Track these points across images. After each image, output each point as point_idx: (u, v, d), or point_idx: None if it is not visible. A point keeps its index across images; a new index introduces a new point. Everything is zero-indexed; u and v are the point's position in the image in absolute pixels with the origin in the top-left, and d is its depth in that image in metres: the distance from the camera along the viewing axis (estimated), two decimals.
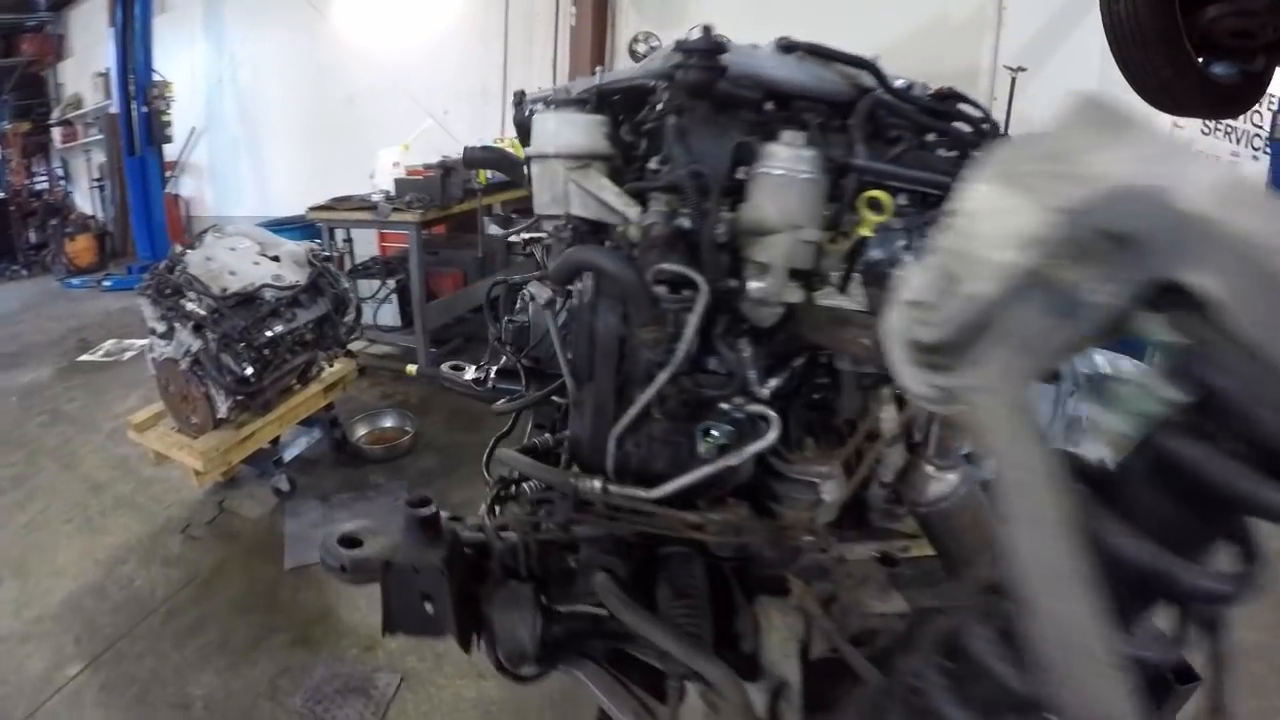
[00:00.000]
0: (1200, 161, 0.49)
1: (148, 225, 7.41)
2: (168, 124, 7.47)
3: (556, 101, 1.32)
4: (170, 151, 7.91)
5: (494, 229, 5.66)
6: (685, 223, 1.16)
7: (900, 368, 0.59)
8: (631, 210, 1.21)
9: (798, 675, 1.23)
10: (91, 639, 2.80)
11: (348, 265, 5.16)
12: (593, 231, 1.31)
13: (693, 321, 1.11)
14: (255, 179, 8.16)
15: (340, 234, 5.07)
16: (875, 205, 1.16)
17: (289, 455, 3.69)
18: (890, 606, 1.32)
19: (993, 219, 0.52)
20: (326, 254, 3.64)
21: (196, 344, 3.05)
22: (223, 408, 3.12)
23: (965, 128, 1.47)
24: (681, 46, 1.23)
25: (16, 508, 3.68)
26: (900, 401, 1.39)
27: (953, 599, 0.97)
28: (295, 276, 3.28)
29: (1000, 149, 0.55)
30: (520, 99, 1.62)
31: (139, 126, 7.14)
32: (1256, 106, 4.39)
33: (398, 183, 4.70)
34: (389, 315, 4.95)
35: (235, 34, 7.79)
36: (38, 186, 10.92)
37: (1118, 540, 0.53)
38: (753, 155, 1.18)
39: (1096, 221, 0.47)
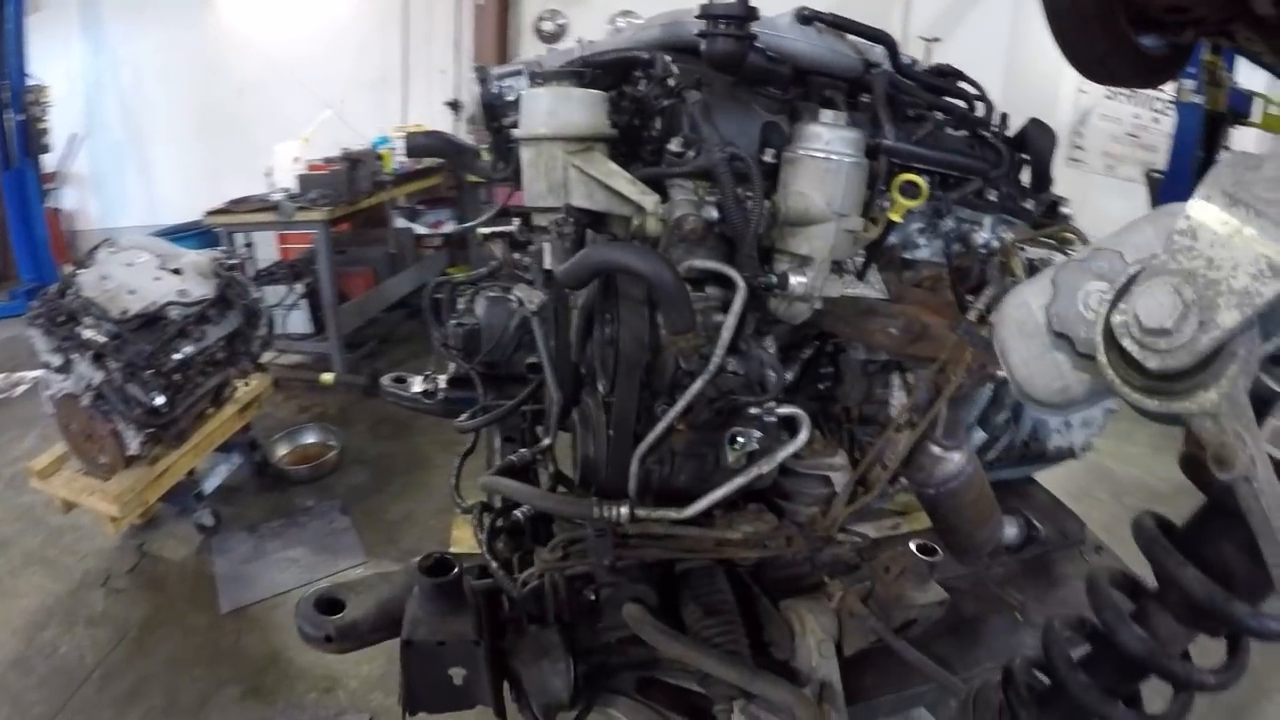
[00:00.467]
0: None
1: (30, 244, 6.61)
2: (45, 132, 6.67)
3: (549, 75, 1.16)
4: (48, 162, 7.12)
5: (401, 222, 5.40)
6: (713, 213, 1.05)
7: (1123, 392, 0.53)
8: (648, 200, 1.07)
9: (838, 675, 1.19)
10: None
11: (250, 272, 4.76)
12: (595, 224, 1.17)
13: (730, 324, 1.01)
14: (142, 186, 7.49)
15: (240, 238, 4.67)
16: (910, 190, 1.09)
17: (210, 486, 3.38)
18: (930, 597, 1.29)
19: (1236, 248, 0.51)
20: (232, 262, 3.33)
21: (98, 376, 2.72)
22: (133, 443, 2.80)
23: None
24: (709, 12, 1.10)
25: None
26: (909, 387, 1.36)
27: None
28: (201, 290, 2.96)
29: (1222, 170, 0.53)
30: (484, 74, 1.49)
31: (15, 136, 6.35)
32: None
33: (301, 179, 4.36)
34: (299, 322, 4.61)
35: (115, 31, 7.08)
36: None
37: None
38: (782, 136, 1.09)
39: None
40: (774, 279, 1.04)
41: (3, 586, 3.10)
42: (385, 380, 2.10)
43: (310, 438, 3.90)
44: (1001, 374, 0.81)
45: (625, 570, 1.18)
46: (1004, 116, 1.44)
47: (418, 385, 2.08)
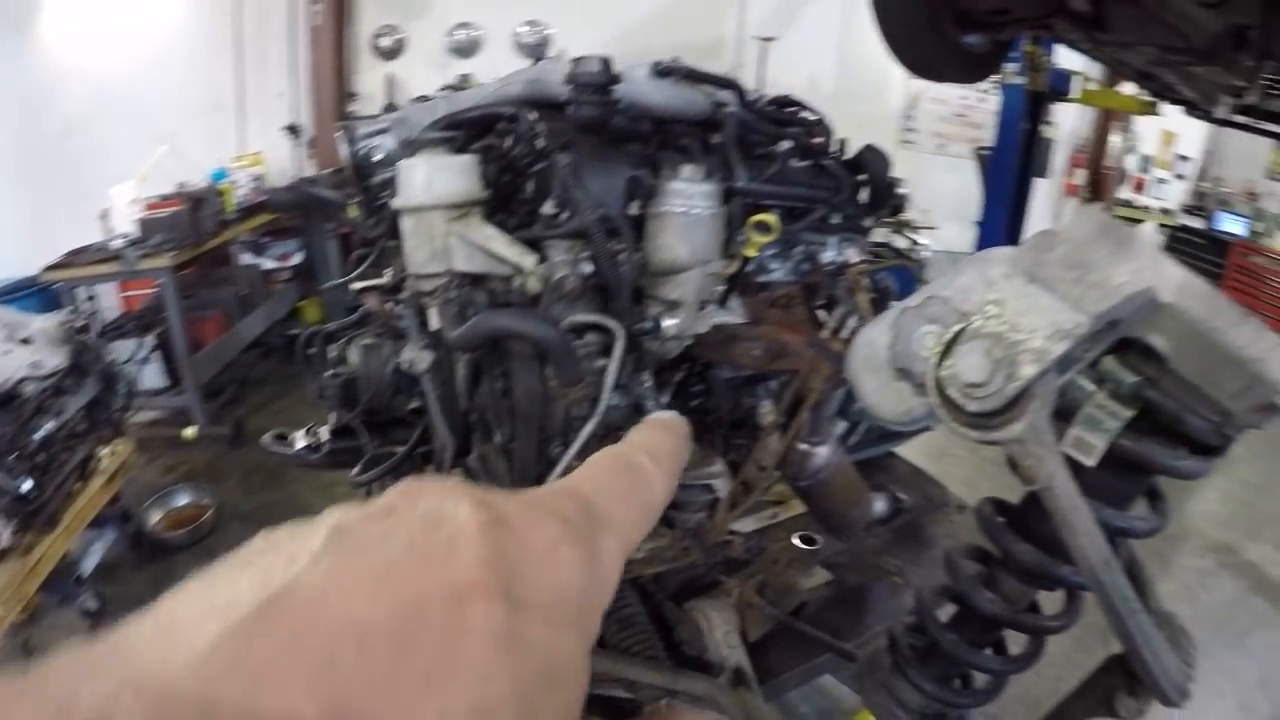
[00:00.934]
0: (1169, 264, 0.68)
1: None
2: None
3: (421, 143, 1.20)
4: None
5: (247, 257, 5.13)
6: (588, 268, 1.14)
7: (951, 426, 0.70)
8: (527, 260, 1.14)
9: (747, 661, 1.31)
10: None
11: (97, 328, 4.39)
12: (474, 283, 1.23)
13: (613, 369, 1.11)
14: None
15: (81, 292, 4.29)
16: (764, 227, 1.23)
17: (88, 567, 3.12)
18: (816, 580, 1.45)
19: (1034, 315, 0.66)
20: (82, 323, 3.08)
21: None
22: (4, 535, 2.55)
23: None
24: (574, 80, 1.18)
25: None
26: (778, 395, 1.50)
27: None
28: (55, 359, 2.73)
29: (1024, 251, 0.69)
30: (351, 134, 1.48)
31: None
32: None
33: (141, 223, 4.06)
34: (153, 376, 4.30)
35: None
36: None
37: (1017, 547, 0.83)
38: (645, 190, 1.19)
39: (1111, 317, 0.65)
40: (649, 324, 1.15)
41: None
42: (266, 439, 2.04)
43: (183, 499, 3.67)
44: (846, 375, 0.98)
45: None
46: (842, 142, 1.58)
47: (301, 440, 2.04)
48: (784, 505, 1.93)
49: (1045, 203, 7.24)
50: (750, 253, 1.27)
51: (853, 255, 1.52)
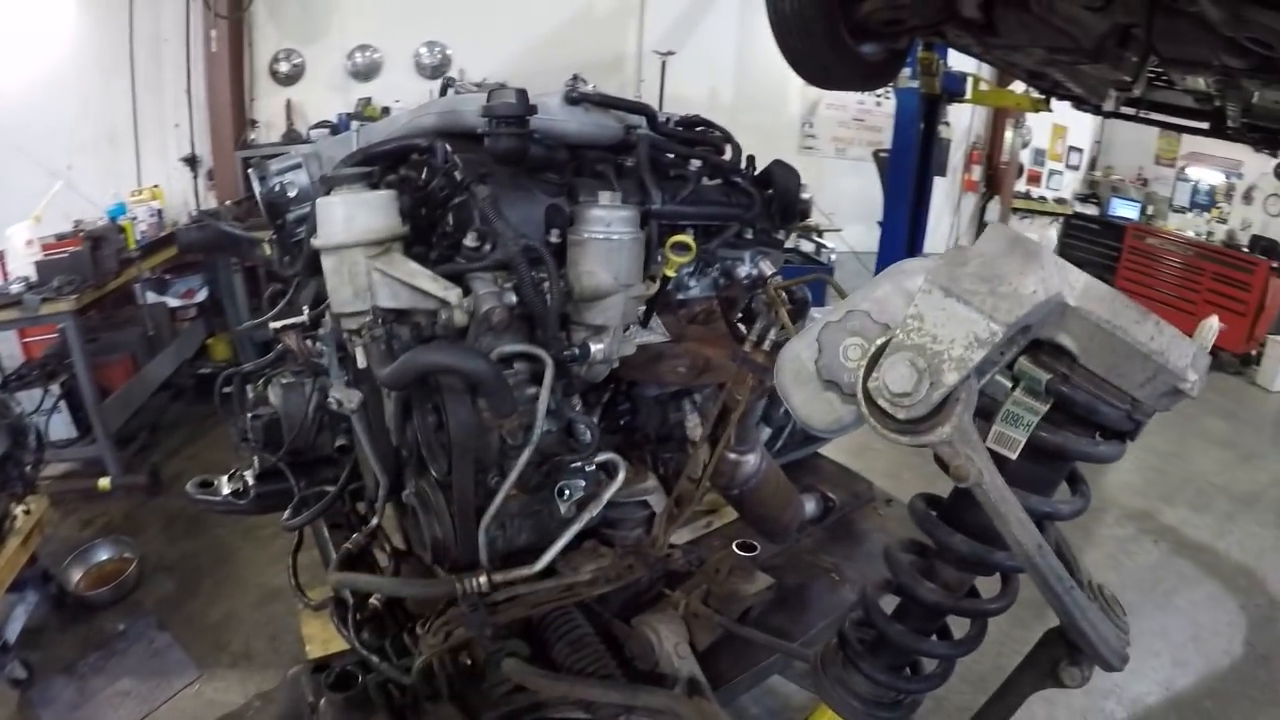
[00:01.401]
0: (1073, 272, 0.77)
1: None
2: None
3: (338, 180, 1.19)
4: None
5: (150, 295, 4.89)
6: (513, 298, 1.16)
7: (882, 433, 0.76)
8: (451, 294, 1.15)
9: (699, 669, 1.35)
10: None
11: None
12: (398, 320, 1.22)
13: (544, 397, 1.12)
14: None
15: None
16: (682, 248, 1.26)
17: (12, 634, 2.88)
18: (758, 585, 1.50)
19: (952, 326, 0.72)
20: None
21: None
22: None
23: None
24: (491, 112, 1.19)
25: None
26: (701, 410, 1.54)
27: None
28: None
29: (939, 267, 0.74)
30: (263, 171, 1.48)
31: None
32: None
33: (39, 266, 3.81)
34: (61, 426, 4.05)
35: None
36: None
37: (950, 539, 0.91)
38: (564, 218, 1.20)
39: (1023, 323, 0.73)
40: (577, 350, 1.17)
41: None
42: (190, 487, 1.97)
43: (103, 554, 3.46)
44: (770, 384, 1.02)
45: (494, 630, 1.25)
46: (750, 158, 1.63)
47: (226, 486, 1.97)
48: (717, 514, 1.98)
49: (944, 200, 7.59)
50: (670, 273, 1.31)
51: (767, 268, 1.57)
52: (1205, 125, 3.49)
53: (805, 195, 1.69)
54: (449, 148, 1.26)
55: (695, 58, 6.23)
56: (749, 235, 1.56)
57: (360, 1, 5.54)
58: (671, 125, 1.55)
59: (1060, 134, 8.49)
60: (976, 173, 8.11)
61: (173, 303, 5.05)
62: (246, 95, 5.40)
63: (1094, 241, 8.14)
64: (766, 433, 1.85)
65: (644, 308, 1.38)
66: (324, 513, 1.67)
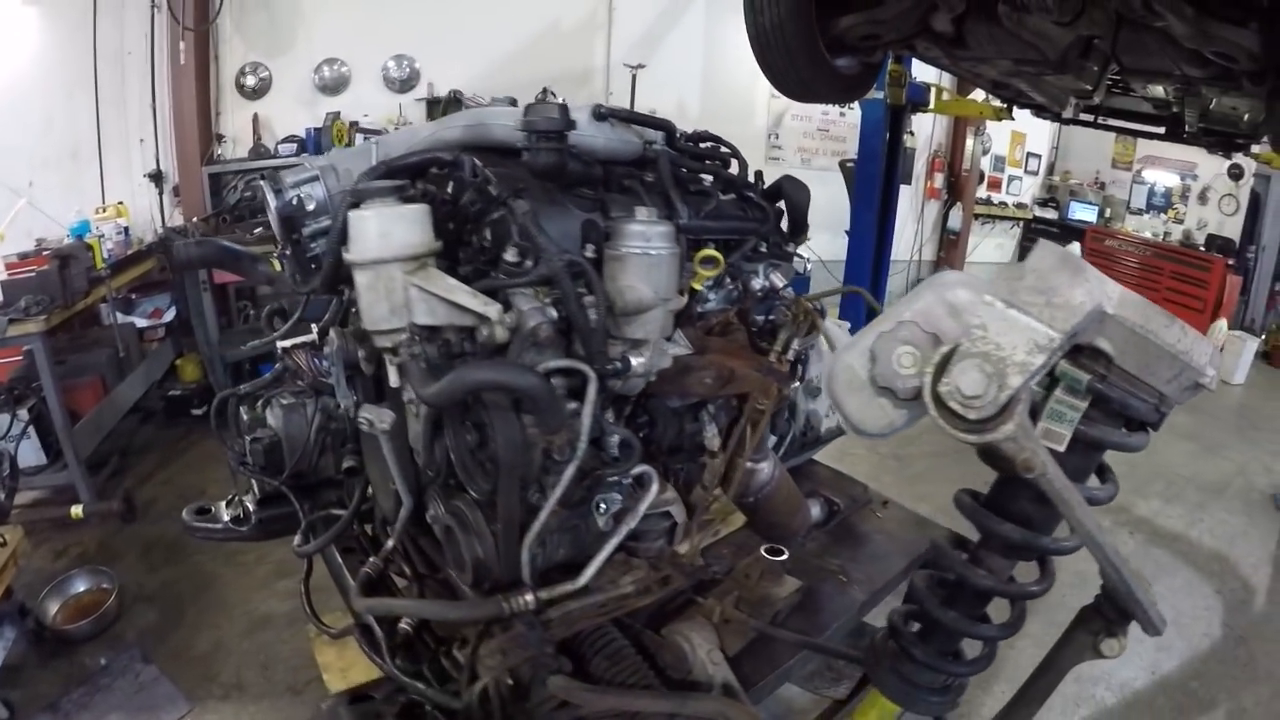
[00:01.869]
0: (1109, 283, 0.86)
1: None
2: None
3: (369, 193, 1.17)
4: None
5: (118, 315, 4.75)
6: (553, 313, 1.15)
7: (951, 433, 0.83)
8: (492, 310, 1.13)
9: (731, 674, 1.37)
10: None
11: None
12: (428, 338, 1.21)
13: (588, 412, 1.12)
14: None
15: None
16: (711, 262, 1.28)
17: None
18: (789, 588, 1.52)
19: (1014, 334, 0.81)
20: None
21: None
22: None
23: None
24: (531, 127, 1.19)
25: None
26: (715, 420, 1.56)
27: None
28: None
29: (999, 282, 0.83)
30: (279, 183, 1.42)
31: None
32: None
33: (5, 286, 3.69)
34: (30, 453, 3.91)
35: None
36: None
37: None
38: (599, 233, 1.21)
39: (1075, 331, 0.82)
40: (619, 365, 1.17)
41: None
42: (187, 516, 1.92)
43: (81, 585, 3.33)
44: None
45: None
46: (759, 174, 1.66)
47: (225, 513, 1.91)
48: (724, 522, 2.00)
49: (908, 208, 7.76)
50: (698, 286, 1.33)
51: (778, 280, 1.60)
52: (1161, 130, 3.64)
53: (780, 206, 1.71)
54: (478, 162, 1.26)
55: (663, 70, 6.30)
56: (763, 248, 1.59)
57: (328, 14, 5.47)
58: (684, 142, 1.57)
59: (1019, 141, 8.74)
60: (939, 180, 8.30)
61: (140, 323, 4.93)
62: (213, 109, 5.30)
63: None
64: (771, 440, 1.88)
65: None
66: (338, 537, 1.63)
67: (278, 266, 1.66)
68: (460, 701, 1.18)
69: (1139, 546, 3.81)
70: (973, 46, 2.76)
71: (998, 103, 4.86)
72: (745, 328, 1.53)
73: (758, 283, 1.58)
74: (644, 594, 1.30)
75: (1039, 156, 9.13)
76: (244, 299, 5.47)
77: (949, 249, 8.57)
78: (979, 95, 6.05)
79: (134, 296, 4.94)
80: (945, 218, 8.52)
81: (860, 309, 5.15)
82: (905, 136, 5.87)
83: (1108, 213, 8.61)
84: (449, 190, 1.31)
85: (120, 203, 4.84)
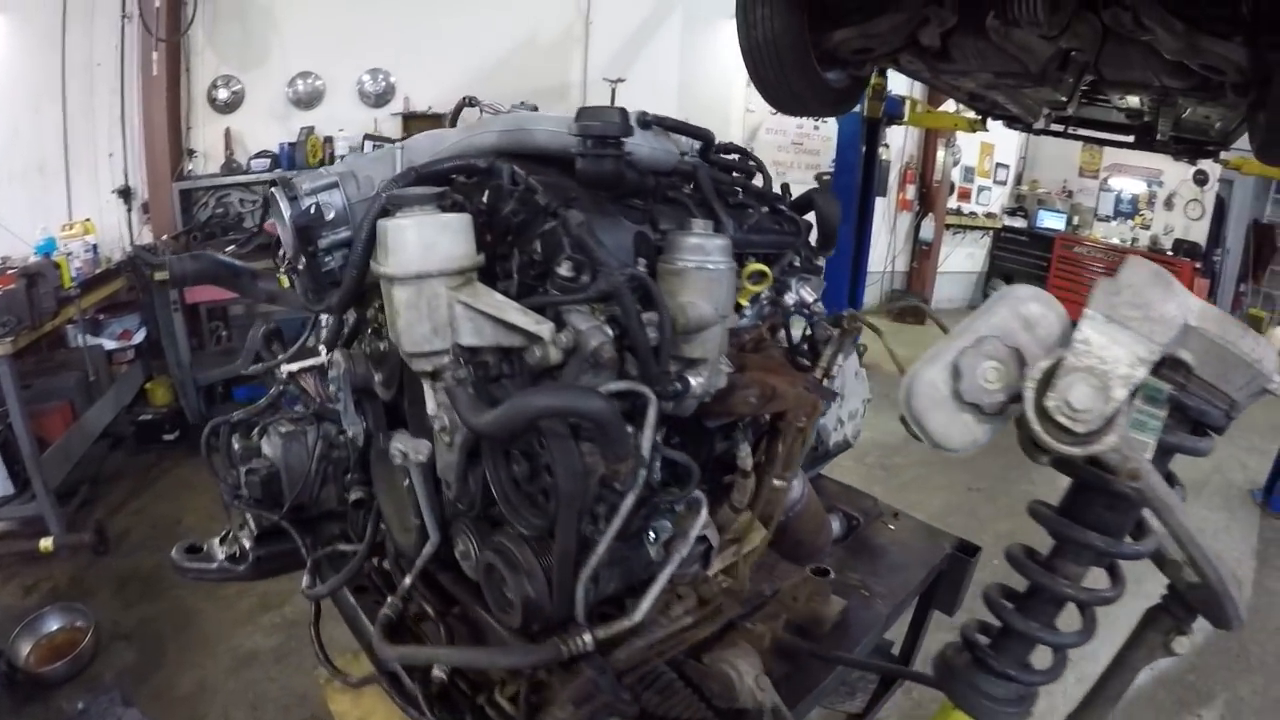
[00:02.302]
0: (1190, 296, 0.89)
1: None
2: None
3: (406, 200, 1.08)
4: None
5: (86, 337, 4.56)
6: (610, 332, 1.07)
7: (1055, 447, 0.84)
8: (544, 329, 1.05)
9: (779, 699, 1.32)
10: None
11: None
12: (471, 360, 1.12)
13: (648, 436, 1.05)
14: None
15: None
16: (759, 276, 1.24)
17: None
18: (836, 607, 1.49)
19: (1117, 348, 0.82)
20: None
21: None
22: None
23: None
24: (588, 132, 1.12)
25: None
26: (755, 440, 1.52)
27: None
28: None
29: (1099, 297, 0.85)
30: (293, 190, 1.27)
31: None
32: None
33: None
34: None
35: None
36: None
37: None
38: (650, 245, 1.15)
39: (1170, 342, 0.84)
40: (679, 386, 1.10)
41: None
42: (176, 555, 1.76)
43: (54, 623, 3.15)
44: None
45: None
46: (785, 186, 1.63)
47: (220, 551, 1.76)
48: (741, 542, 1.97)
49: (881, 219, 7.86)
50: (744, 301, 1.30)
51: (808, 294, 1.57)
52: (1131, 139, 3.75)
53: None
54: (518, 169, 1.19)
55: (639, 84, 6.31)
56: (795, 262, 1.56)
57: (302, 27, 5.37)
58: (716, 154, 1.54)
59: (988, 151, 8.94)
60: (911, 192, 8.44)
61: (109, 344, 4.75)
62: (184, 123, 5.16)
63: (1023, 252, 8.58)
64: None
65: None
66: (352, 576, 1.54)
67: (285, 282, 1.55)
68: None
69: None
70: (956, 59, 2.81)
71: (972, 114, 4.97)
72: (778, 343, 1.50)
73: (790, 297, 1.55)
74: (703, 623, 1.25)
75: (1007, 166, 9.34)
76: (216, 319, 5.31)
77: (921, 259, 8.70)
78: (950, 106, 6.21)
79: (102, 317, 4.77)
80: (917, 228, 8.65)
81: None
82: (880, 149, 5.95)
83: (1075, 220, 8.82)
84: (484, 200, 1.22)
85: (87, 219, 4.67)
